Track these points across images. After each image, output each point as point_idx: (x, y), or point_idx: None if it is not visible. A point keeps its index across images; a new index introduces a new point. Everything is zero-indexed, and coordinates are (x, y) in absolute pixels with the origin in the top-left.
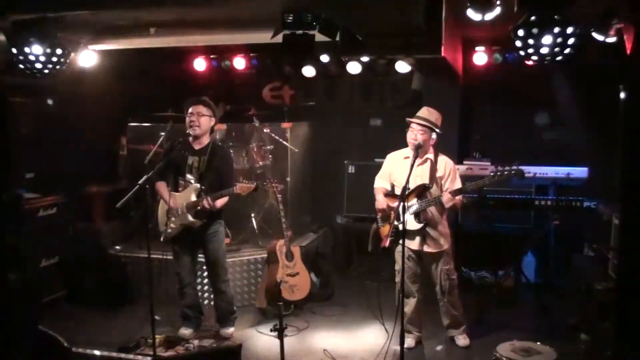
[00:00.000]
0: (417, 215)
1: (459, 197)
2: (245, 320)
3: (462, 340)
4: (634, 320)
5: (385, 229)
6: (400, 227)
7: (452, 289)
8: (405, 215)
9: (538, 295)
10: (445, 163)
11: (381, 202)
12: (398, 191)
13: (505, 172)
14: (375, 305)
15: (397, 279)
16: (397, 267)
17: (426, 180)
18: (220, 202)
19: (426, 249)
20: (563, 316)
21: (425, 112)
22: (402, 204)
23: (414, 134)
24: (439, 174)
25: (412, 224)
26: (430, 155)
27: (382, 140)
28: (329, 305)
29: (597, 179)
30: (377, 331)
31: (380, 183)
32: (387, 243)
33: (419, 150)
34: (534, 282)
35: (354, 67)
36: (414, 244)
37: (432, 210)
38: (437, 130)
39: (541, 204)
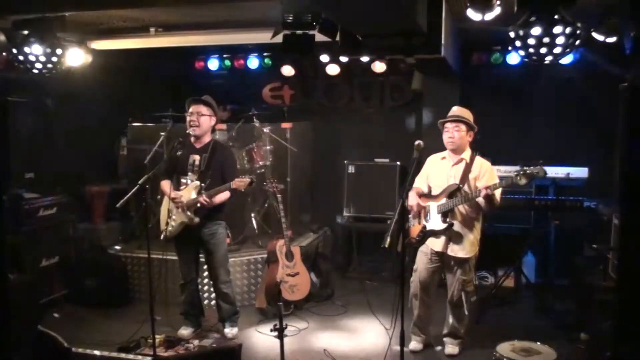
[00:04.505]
0: (444, 215)
1: (498, 192)
2: (245, 320)
3: (450, 347)
4: (634, 320)
5: (416, 228)
6: (428, 227)
7: (463, 302)
8: (432, 214)
9: (538, 295)
10: (480, 164)
11: (411, 200)
12: (434, 192)
13: (529, 172)
14: (375, 305)
15: (412, 278)
16: (415, 266)
17: (458, 181)
18: (218, 198)
19: (449, 252)
20: (563, 316)
21: (456, 110)
22: (402, 203)
23: (450, 132)
24: (472, 174)
25: (437, 224)
26: (466, 156)
27: (382, 140)
28: (329, 305)
29: (597, 179)
30: (377, 331)
31: (418, 183)
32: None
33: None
34: (534, 282)
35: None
36: (438, 244)
37: (462, 211)
38: (471, 123)
39: (541, 204)
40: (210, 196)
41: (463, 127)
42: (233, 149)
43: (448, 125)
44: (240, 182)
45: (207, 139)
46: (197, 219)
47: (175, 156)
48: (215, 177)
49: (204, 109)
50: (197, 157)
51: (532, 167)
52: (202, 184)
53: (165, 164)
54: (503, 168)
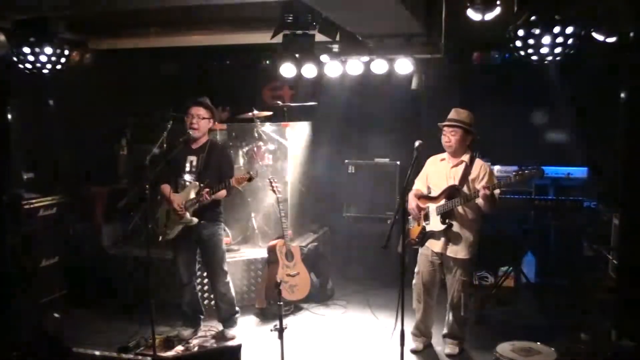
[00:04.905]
0: (444, 216)
1: (497, 192)
2: (245, 320)
3: (450, 347)
4: (634, 320)
5: (416, 230)
6: (427, 228)
7: (462, 303)
8: (431, 215)
9: (538, 295)
10: (480, 166)
11: (410, 202)
12: (434, 193)
13: (527, 172)
14: (375, 305)
15: (415, 280)
16: (417, 268)
17: (457, 182)
18: (217, 195)
19: (448, 252)
20: (563, 316)
21: (453, 113)
22: (402, 206)
23: (447, 136)
24: (472, 176)
25: (437, 225)
26: (465, 158)
27: (382, 141)
28: (329, 305)
29: (597, 179)
30: (377, 331)
31: (417, 185)
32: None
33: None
34: (534, 282)
35: (354, 67)
36: (437, 245)
37: (462, 212)
38: (468, 127)
39: (541, 204)
40: (211, 193)
41: (460, 130)
42: (233, 149)
43: (445, 128)
44: (240, 178)
45: (203, 139)
46: (195, 220)
47: (173, 157)
48: (213, 177)
49: (203, 112)
50: (194, 158)
51: (529, 168)
52: (201, 184)
53: (163, 165)
54: (503, 168)
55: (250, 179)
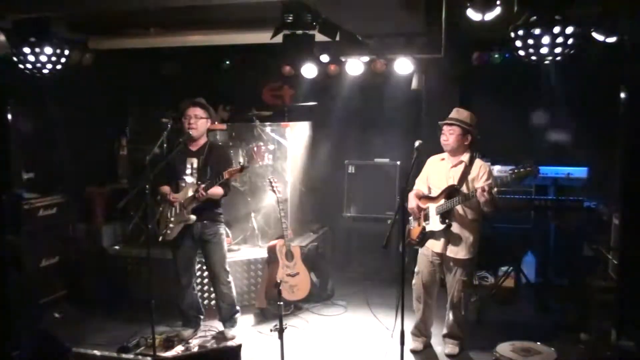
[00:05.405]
0: (443, 216)
1: (494, 190)
2: (245, 320)
3: (450, 347)
4: (634, 320)
5: (416, 230)
6: (427, 228)
7: (463, 303)
8: (431, 215)
9: (538, 295)
10: (480, 166)
11: (410, 201)
12: (434, 193)
13: (522, 170)
14: (375, 305)
15: (415, 280)
16: (417, 269)
17: (457, 182)
18: (212, 191)
19: (448, 253)
20: (563, 316)
21: (454, 113)
22: (402, 206)
23: (445, 135)
24: (471, 176)
25: (436, 225)
26: (465, 158)
27: (382, 141)
28: (329, 305)
29: (597, 179)
30: (377, 331)
31: (418, 185)
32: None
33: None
34: (534, 282)
35: (354, 67)
36: (438, 245)
37: (461, 212)
38: (466, 127)
39: (541, 204)
40: (206, 189)
41: (458, 129)
42: (233, 149)
43: (444, 127)
44: (232, 170)
45: (202, 141)
46: (194, 217)
47: (173, 161)
48: (212, 177)
49: (200, 112)
50: (194, 160)
51: (525, 167)
52: (201, 184)
53: (162, 166)
54: (503, 168)
55: (242, 169)
